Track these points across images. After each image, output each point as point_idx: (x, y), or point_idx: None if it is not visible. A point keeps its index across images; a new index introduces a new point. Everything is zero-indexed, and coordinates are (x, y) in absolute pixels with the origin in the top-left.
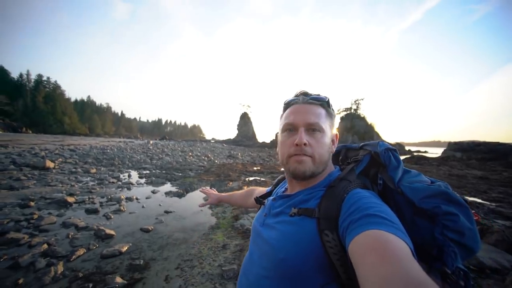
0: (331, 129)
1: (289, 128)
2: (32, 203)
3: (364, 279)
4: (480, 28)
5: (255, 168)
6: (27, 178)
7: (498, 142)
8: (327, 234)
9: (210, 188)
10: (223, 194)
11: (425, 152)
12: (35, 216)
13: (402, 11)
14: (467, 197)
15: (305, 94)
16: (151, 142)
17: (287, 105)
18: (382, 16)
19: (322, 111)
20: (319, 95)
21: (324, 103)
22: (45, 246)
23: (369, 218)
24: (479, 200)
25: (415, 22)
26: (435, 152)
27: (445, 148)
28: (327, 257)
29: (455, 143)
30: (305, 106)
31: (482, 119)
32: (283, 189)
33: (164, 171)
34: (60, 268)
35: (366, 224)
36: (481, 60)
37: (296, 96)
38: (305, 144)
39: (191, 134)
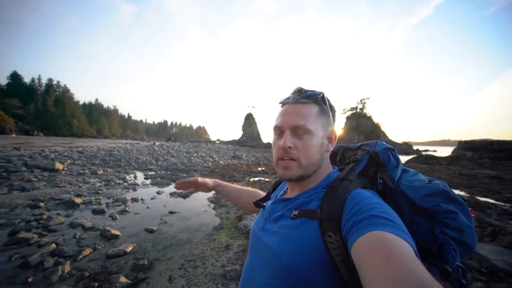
0: (326, 127)
1: (277, 132)
2: (42, 204)
3: (367, 281)
4: (493, 24)
5: (259, 169)
6: (38, 179)
7: None
8: (330, 236)
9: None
10: (219, 181)
11: (434, 151)
12: (44, 217)
13: (412, 6)
14: (478, 197)
15: (299, 91)
16: (156, 143)
17: (281, 104)
18: (389, 13)
19: (313, 110)
20: (314, 91)
21: (318, 100)
22: (53, 245)
23: (373, 219)
24: (492, 201)
25: (425, 18)
26: (445, 152)
27: (455, 147)
28: (330, 259)
29: (466, 142)
30: (294, 107)
31: (494, 118)
32: (282, 192)
33: (169, 172)
34: (67, 267)
35: (369, 225)
36: (493, 58)
37: (291, 93)
38: (290, 147)
39: (196, 136)
